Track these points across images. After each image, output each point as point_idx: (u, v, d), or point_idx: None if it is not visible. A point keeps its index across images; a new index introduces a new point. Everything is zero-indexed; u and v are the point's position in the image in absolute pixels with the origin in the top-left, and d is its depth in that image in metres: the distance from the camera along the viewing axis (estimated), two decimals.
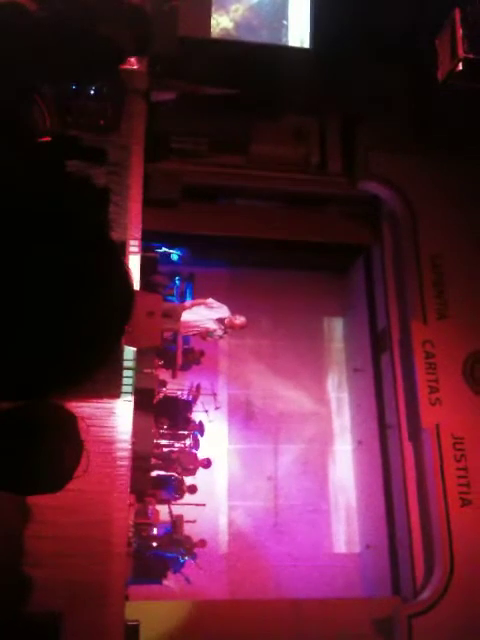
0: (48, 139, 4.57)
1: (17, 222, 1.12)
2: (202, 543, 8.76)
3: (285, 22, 9.66)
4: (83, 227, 1.21)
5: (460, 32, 6.81)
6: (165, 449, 9.00)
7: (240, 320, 7.47)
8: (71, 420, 2.14)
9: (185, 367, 9.26)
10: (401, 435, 9.25)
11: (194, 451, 9.21)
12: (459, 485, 8.66)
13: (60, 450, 2.10)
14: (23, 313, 1.13)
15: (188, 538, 8.67)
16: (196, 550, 8.68)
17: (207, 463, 9.24)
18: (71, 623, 6.00)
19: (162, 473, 8.94)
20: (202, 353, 9.43)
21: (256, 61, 9.27)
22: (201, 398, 9.79)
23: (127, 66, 6.86)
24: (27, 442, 1.95)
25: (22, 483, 2.12)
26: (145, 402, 7.75)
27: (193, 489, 9.17)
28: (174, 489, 8.93)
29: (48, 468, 2.10)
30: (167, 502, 8.95)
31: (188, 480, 9.23)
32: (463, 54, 6.80)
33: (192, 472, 9.11)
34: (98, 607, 6.33)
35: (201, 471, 9.35)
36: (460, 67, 6.87)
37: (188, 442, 9.21)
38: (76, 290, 1.16)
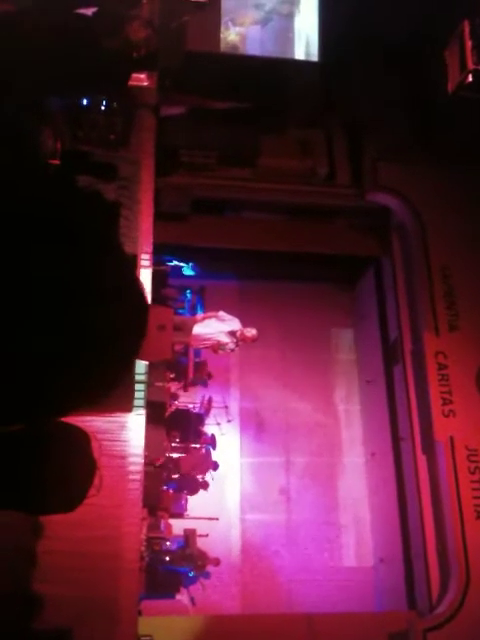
0: (57, 162, 4.61)
1: (23, 232, 1.10)
2: (216, 561, 8.71)
3: (290, 35, 9.71)
4: (91, 239, 1.19)
5: (469, 44, 6.83)
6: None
7: (251, 333, 7.46)
8: (84, 439, 2.12)
9: (194, 383, 9.26)
10: (414, 447, 9.18)
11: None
12: (474, 497, 8.57)
13: (72, 470, 2.08)
14: (31, 327, 1.10)
15: (203, 554, 8.62)
16: (209, 567, 8.63)
17: (215, 466, 9.25)
18: (83, 639, 5.95)
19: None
20: (210, 375, 9.41)
21: (263, 75, 9.32)
22: (213, 411, 9.77)
23: (137, 82, 6.91)
24: (39, 462, 1.94)
25: (34, 503, 2.11)
26: (157, 415, 7.73)
27: (205, 485, 9.16)
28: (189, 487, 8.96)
29: (60, 489, 2.09)
30: (180, 516, 8.94)
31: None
32: (473, 66, 6.82)
33: (204, 485, 9.12)
34: (110, 622, 6.28)
35: (215, 483, 9.34)
36: (470, 79, 6.88)
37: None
38: (86, 305, 1.13)
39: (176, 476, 8.90)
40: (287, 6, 9.61)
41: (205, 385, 9.54)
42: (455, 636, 8.12)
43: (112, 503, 6.25)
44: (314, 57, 9.54)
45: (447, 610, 8.27)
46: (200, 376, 9.31)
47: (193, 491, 9.16)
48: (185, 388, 9.10)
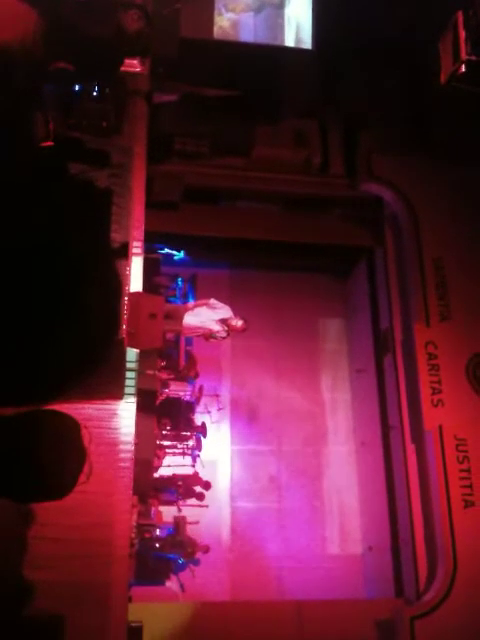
0: (50, 143, 4.58)
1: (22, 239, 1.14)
2: (206, 548, 8.76)
3: (280, 21, 9.63)
4: (80, 237, 1.23)
5: (462, 34, 6.82)
6: (167, 452, 9.03)
7: (239, 323, 7.44)
8: (74, 428, 2.14)
9: (183, 377, 9.29)
10: (404, 436, 9.25)
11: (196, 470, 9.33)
12: (462, 487, 8.65)
13: (62, 458, 2.10)
14: (28, 320, 1.14)
15: (193, 541, 8.67)
16: (199, 554, 8.68)
17: (206, 486, 9.32)
18: (73, 626, 5.98)
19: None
20: (197, 374, 9.45)
21: (258, 63, 9.28)
22: (204, 399, 9.79)
23: (129, 68, 6.87)
24: (29, 450, 1.96)
25: (25, 491, 2.12)
26: (148, 403, 7.75)
27: (201, 496, 9.24)
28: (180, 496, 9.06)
29: (51, 476, 2.10)
30: (171, 503, 9.00)
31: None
32: (465, 56, 6.81)
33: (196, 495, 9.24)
34: (100, 609, 6.30)
35: (206, 471, 9.41)
36: (462, 69, 6.88)
37: (191, 443, 9.23)
38: (74, 301, 1.18)
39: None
40: None
41: (192, 382, 9.56)
42: (441, 624, 8.20)
43: (102, 490, 6.27)
44: (304, 44, 9.47)
45: (434, 598, 8.36)
46: (187, 372, 9.33)
47: (186, 496, 9.24)
48: (176, 379, 9.13)
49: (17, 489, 2.17)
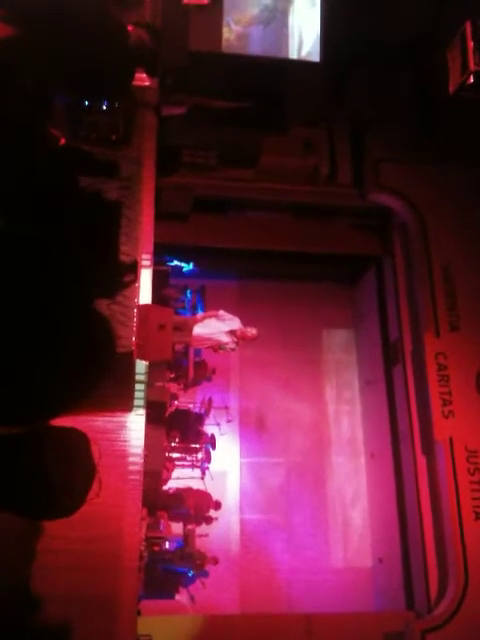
0: (63, 140, 4.58)
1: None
2: (215, 561, 8.72)
3: (286, 32, 9.65)
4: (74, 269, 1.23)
5: (471, 45, 6.82)
6: (177, 464, 9.01)
7: (252, 332, 7.41)
8: (84, 445, 2.13)
9: (196, 382, 9.26)
10: (414, 448, 9.20)
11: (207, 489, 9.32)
12: (473, 498, 8.58)
13: (71, 477, 2.09)
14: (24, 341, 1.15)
15: (201, 554, 8.63)
16: (208, 567, 8.64)
17: (217, 505, 9.30)
18: (81, 639, 5.96)
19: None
20: (213, 371, 9.43)
21: (266, 74, 9.30)
22: (213, 411, 9.77)
23: (138, 82, 6.89)
24: (39, 470, 1.95)
25: (33, 510, 2.12)
26: (157, 415, 7.73)
27: (209, 520, 9.24)
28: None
29: (59, 496, 2.09)
30: (180, 519, 8.98)
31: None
32: (474, 67, 6.82)
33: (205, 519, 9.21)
34: (109, 622, 6.28)
35: (215, 483, 9.38)
36: (471, 80, 6.87)
37: (200, 455, 9.20)
38: (69, 322, 1.18)
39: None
40: (282, 3, 9.55)
41: (209, 380, 9.54)
42: (453, 637, 8.13)
43: (111, 502, 6.25)
44: (310, 55, 9.49)
45: (445, 611, 8.28)
46: (202, 374, 9.31)
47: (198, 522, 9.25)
48: (186, 388, 9.10)
49: (27, 507, 2.16)
